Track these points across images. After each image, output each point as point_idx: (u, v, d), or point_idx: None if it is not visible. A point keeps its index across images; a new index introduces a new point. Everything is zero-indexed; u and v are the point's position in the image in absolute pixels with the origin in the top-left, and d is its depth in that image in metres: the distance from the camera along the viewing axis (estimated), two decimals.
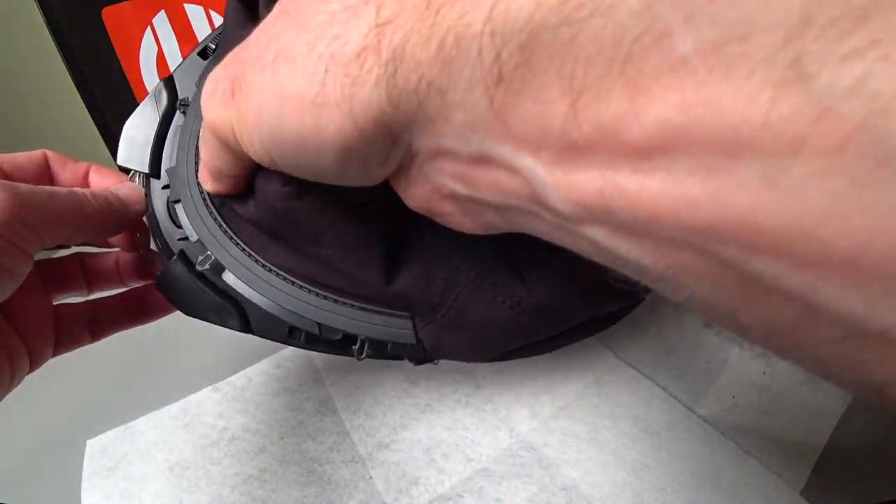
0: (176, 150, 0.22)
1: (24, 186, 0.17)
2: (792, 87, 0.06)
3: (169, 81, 0.23)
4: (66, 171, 0.23)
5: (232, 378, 0.29)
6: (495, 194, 0.11)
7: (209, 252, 0.21)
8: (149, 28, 0.41)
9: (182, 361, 0.31)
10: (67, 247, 0.24)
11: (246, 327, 0.21)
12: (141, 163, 0.22)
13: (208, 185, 0.20)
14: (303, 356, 0.30)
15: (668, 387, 0.29)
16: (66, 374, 0.31)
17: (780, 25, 0.06)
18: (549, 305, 0.19)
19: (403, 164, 0.13)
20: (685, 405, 0.28)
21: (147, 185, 0.22)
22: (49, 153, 0.23)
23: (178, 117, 0.22)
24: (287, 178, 0.17)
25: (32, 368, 0.21)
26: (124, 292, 0.26)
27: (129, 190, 0.22)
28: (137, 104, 0.23)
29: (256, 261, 0.20)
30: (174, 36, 0.42)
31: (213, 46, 0.23)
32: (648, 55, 0.07)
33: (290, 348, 0.31)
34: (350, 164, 0.13)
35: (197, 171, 0.21)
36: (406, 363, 0.21)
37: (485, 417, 0.27)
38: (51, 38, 0.40)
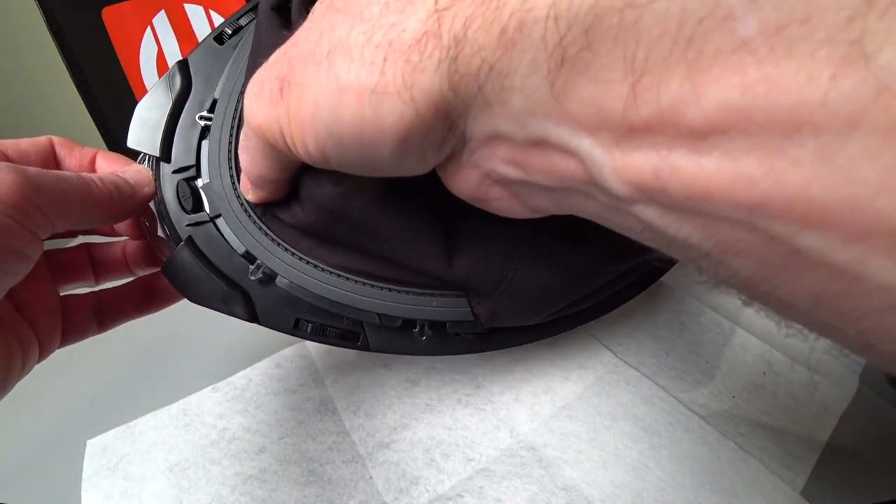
0: (207, 165, 0.22)
1: (33, 169, 0.17)
2: (853, 65, 0.07)
3: (183, 65, 0.22)
4: (73, 157, 0.23)
5: (232, 378, 0.29)
6: (549, 177, 0.12)
7: (259, 261, 0.21)
8: (149, 28, 0.41)
9: (182, 361, 0.31)
10: (75, 235, 0.24)
11: (252, 317, 0.21)
12: (152, 146, 0.22)
13: (250, 195, 0.20)
14: (303, 356, 0.30)
15: (668, 387, 0.29)
16: (66, 373, 0.31)
17: (843, 6, 0.07)
18: (588, 268, 0.21)
19: (455, 150, 0.13)
20: (685, 405, 0.28)
21: (157, 170, 0.22)
22: (55, 139, 0.23)
23: (190, 107, 0.22)
24: (339, 179, 0.18)
25: (41, 358, 0.21)
26: (131, 281, 0.26)
27: (136, 173, 0.22)
28: (137, 104, 0.23)
29: (308, 262, 0.21)
30: (174, 36, 0.42)
31: (230, 32, 0.23)
32: (711, 37, 0.08)
33: (290, 348, 0.31)
34: (408, 153, 0.13)
35: (234, 184, 0.21)
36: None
37: (485, 417, 0.27)
38: (51, 38, 0.40)
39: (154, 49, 0.42)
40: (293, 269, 0.21)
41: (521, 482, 0.24)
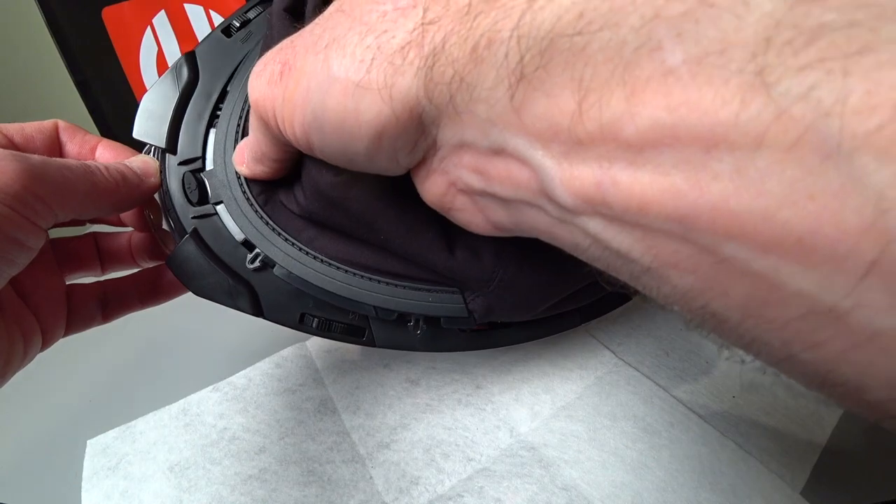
0: (213, 153, 0.22)
1: (36, 158, 0.17)
2: (757, 92, 0.08)
3: (191, 57, 0.23)
4: (75, 142, 0.23)
5: (232, 378, 0.29)
6: (506, 187, 0.12)
7: (258, 249, 0.21)
8: (149, 28, 0.41)
9: (182, 361, 0.31)
10: (82, 223, 0.24)
11: (257, 311, 0.21)
12: (158, 137, 0.22)
13: (244, 168, 0.20)
14: (303, 356, 0.30)
15: (668, 387, 0.29)
16: (66, 374, 0.31)
17: (748, 43, 0.08)
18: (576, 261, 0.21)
19: (427, 155, 0.14)
20: (685, 405, 0.28)
21: (162, 161, 0.22)
22: (60, 123, 0.22)
23: (197, 99, 0.22)
24: (340, 168, 0.18)
25: (44, 347, 0.21)
26: (136, 273, 0.26)
27: (142, 163, 0.22)
28: (137, 104, 0.23)
29: (307, 253, 0.21)
30: (174, 36, 0.42)
31: (238, 24, 0.23)
32: (644, 64, 0.09)
33: (290, 348, 0.31)
34: (380, 150, 0.14)
35: (237, 172, 0.21)
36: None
37: (485, 417, 0.27)
38: (51, 38, 0.40)
39: (154, 49, 0.42)
40: (291, 258, 0.21)
41: (521, 482, 0.24)
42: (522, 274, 0.21)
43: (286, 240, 0.21)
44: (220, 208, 0.21)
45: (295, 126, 0.15)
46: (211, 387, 0.29)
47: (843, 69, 0.07)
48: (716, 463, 0.25)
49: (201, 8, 0.41)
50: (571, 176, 0.10)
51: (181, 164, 0.22)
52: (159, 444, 0.26)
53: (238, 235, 0.21)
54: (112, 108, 0.43)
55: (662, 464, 0.25)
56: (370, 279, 0.21)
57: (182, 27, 0.41)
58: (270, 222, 0.21)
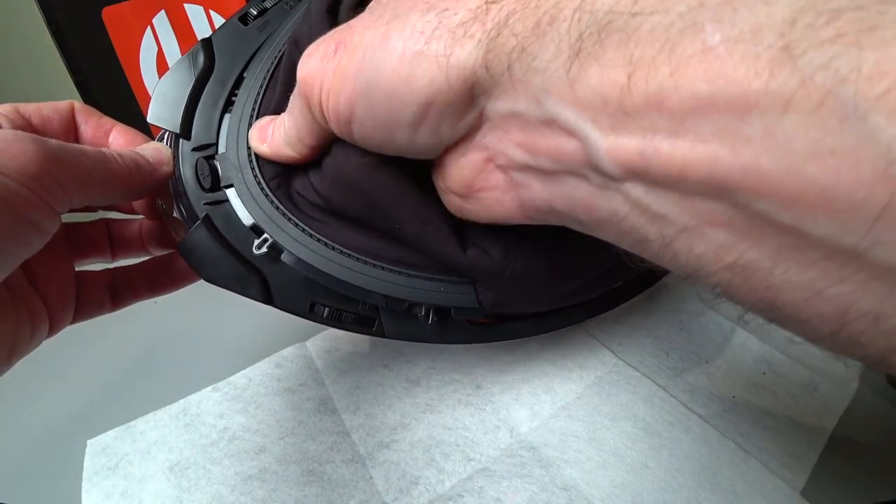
0: (226, 137, 0.22)
1: (54, 142, 0.17)
2: (784, 64, 0.09)
3: (207, 44, 0.22)
4: (90, 125, 0.22)
5: (232, 378, 0.29)
6: (552, 158, 0.13)
7: (266, 234, 0.21)
8: (149, 28, 0.41)
9: (182, 361, 0.31)
10: (94, 210, 0.24)
11: (267, 298, 0.21)
12: (172, 122, 0.22)
13: (267, 147, 0.20)
14: (303, 356, 0.30)
15: (668, 387, 0.29)
16: (66, 373, 0.31)
17: (777, 25, 0.09)
18: (582, 254, 0.22)
19: (469, 131, 0.15)
20: (685, 405, 0.28)
21: (175, 147, 0.22)
22: (76, 105, 0.22)
23: (212, 86, 0.22)
24: (367, 151, 0.18)
25: (51, 333, 0.21)
26: (146, 261, 0.25)
27: (155, 150, 0.22)
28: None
29: (318, 240, 0.21)
30: (174, 36, 0.42)
31: (255, 13, 0.23)
32: (687, 44, 0.10)
33: (290, 348, 0.31)
34: (426, 119, 0.15)
35: (250, 156, 0.21)
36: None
37: (485, 417, 0.27)
38: (51, 38, 0.40)
39: (154, 49, 0.42)
40: (301, 244, 0.21)
41: (521, 482, 0.24)
42: (531, 267, 0.21)
43: (296, 225, 0.21)
44: (231, 192, 0.21)
45: (341, 98, 0.16)
46: (211, 387, 0.29)
47: (857, 43, 0.08)
48: (716, 463, 0.25)
49: (201, 8, 0.41)
50: (617, 145, 0.11)
51: (195, 149, 0.22)
52: (159, 443, 0.26)
53: (247, 220, 0.21)
54: (112, 108, 0.42)
55: (662, 464, 0.25)
56: (381, 268, 0.21)
57: (182, 27, 0.41)
58: (281, 207, 0.21)
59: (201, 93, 0.22)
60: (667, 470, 0.25)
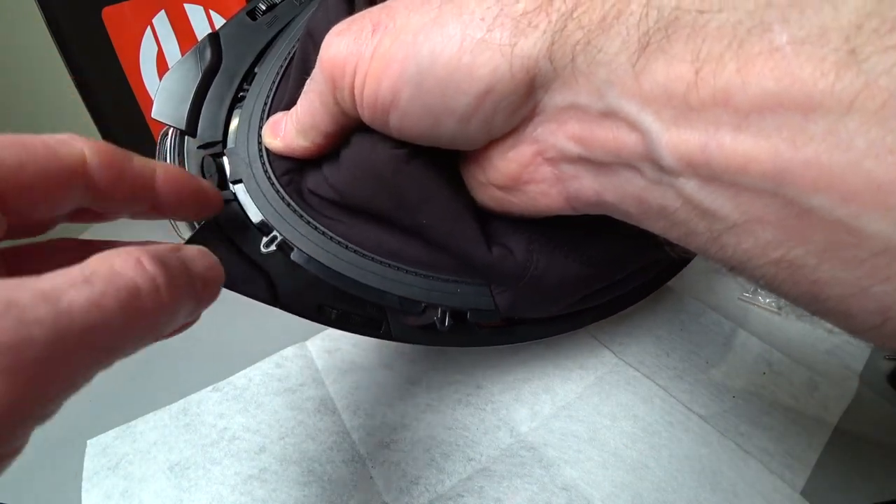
0: (235, 132, 0.21)
1: (39, 336, 0.09)
2: (849, 67, 0.09)
3: (214, 38, 0.22)
4: (123, 181, 0.15)
5: (232, 378, 0.29)
6: (609, 150, 0.13)
7: (275, 232, 0.20)
8: (149, 28, 0.41)
9: (182, 361, 0.31)
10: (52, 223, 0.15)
11: (273, 299, 0.21)
12: (177, 119, 0.21)
13: (279, 141, 0.19)
14: (303, 356, 0.30)
15: (668, 387, 0.29)
16: None
17: (843, 29, 0.09)
18: (606, 258, 0.22)
19: (521, 124, 0.15)
20: (685, 405, 0.28)
21: (180, 144, 0.21)
22: (90, 157, 0.14)
23: (220, 82, 0.21)
24: (399, 142, 0.18)
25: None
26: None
27: (206, 267, 0.15)
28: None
29: (331, 238, 0.20)
30: (174, 36, 0.42)
31: (264, 8, 0.23)
32: (755, 42, 0.10)
33: (290, 348, 0.31)
34: (481, 108, 0.14)
35: (260, 151, 0.20)
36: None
37: (485, 417, 0.27)
38: (51, 38, 0.40)
39: (154, 49, 0.42)
40: (313, 242, 0.20)
41: (521, 482, 0.24)
42: (551, 270, 0.21)
43: (308, 223, 0.20)
44: (239, 188, 0.21)
45: (383, 82, 0.15)
46: (211, 387, 0.29)
47: None
48: (716, 463, 0.25)
49: (201, 8, 0.41)
50: (679, 139, 0.12)
51: (201, 147, 0.21)
52: (159, 443, 0.26)
53: (256, 217, 0.20)
54: (112, 108, 0.42)
55: (662, 464, 0.25)
56: (397, 268, 0.20)
57: (182, 27, 0.41)
58: (292, 203, 0.20)
59: (208, 88, 0.21)
60: (667, 470, 0.25)
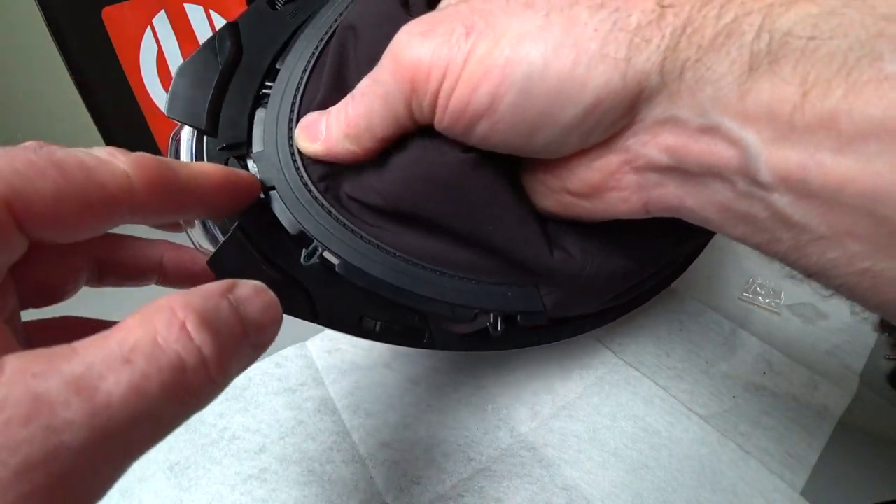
0: (262, 134, 0.19)
1: (73, 441, 0.08)
2: None
3: (233, 29, 0.20)
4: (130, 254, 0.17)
5: None
6: (701, 163, 0.14)
7: (316, 243, 0.19)
8: (149, 28, 0.41)
9: None
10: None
11: (312, 315, 0.19)
12: (195, 117, 0.19)
13: (320, 145, 0.18)
14: (303, 356, 0.30)
15: (669, 387, 0.29)
16: None
17: None
18: (646, 253, 0.22)
19: (614, 135, 0.15)
20: (685, 405, 0.28)
21: (199, 145, 0.19)
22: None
23: (240, 76, 0.20)
24: (468, 146, 0.17)
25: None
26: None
27: (262, 308, 0.14)
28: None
29: (378, 247, 0.19)
30: (174, 36, 0.42)
31: None
32: (864, 69, 0.11)
33: (291, 348, 0.31)
34: (587, 120, 0.14)
35: (293, 154, 0.19)
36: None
37: (485, 417, 0.27)
38: (51, 38, 0.40)
39: (154, 49, 0.42)
40: (360, 253, 0.19)
41: (521, 482, 0.24)
42: (603, 267, 0.20)
43: (353, 232, 0.19)
44: (272, 195, 0.19)
45: (480, 89, 0.15)
46: None
47: None
48: (716, 463, 0.25)
49: (201, 8, 0.41)
50: (779, 157, 0.12)
51: (223, 148, 0.19)
52: (159, 443, 0.26)
53: (292, 227, 0.19)
54: (112, 108, 0.42)
55: (662, 464, 0.25)
56: (448, 275, 0.19)
57: (182, 27, 0.41)
58: (333, 211, 0.19)
59: (228, 84, 0.19)
60: (667, 470, 0.25)
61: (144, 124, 0.43)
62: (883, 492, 0.24)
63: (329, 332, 0.32)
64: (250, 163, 0.19)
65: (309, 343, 0.31)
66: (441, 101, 0.15)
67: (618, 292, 0.23)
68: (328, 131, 0.18)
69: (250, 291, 0.14)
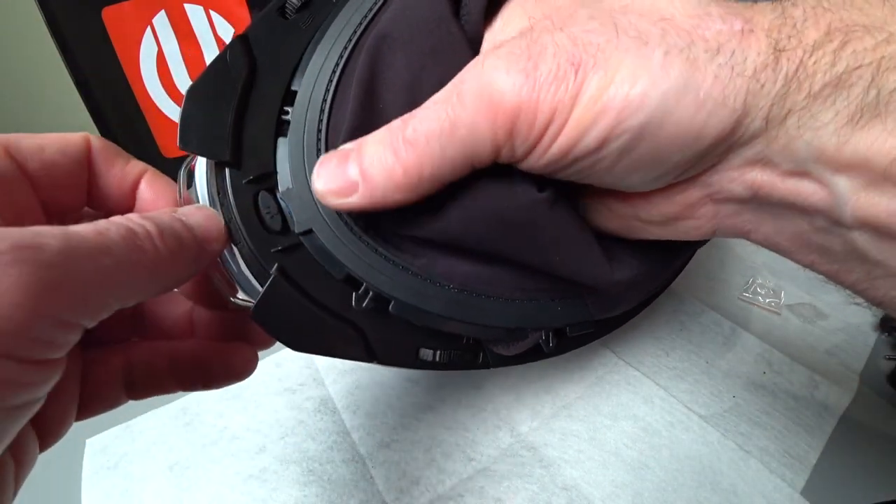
0: (289, 168, 0.17)
1: (52, 247, 0.11)
2: None
3: (244, 43, 0.18)
4: (113, 174, 0.17)
5: None
6: (784, 201, 0.14)
7: (366, 285, 0.17)
8: (149, 28, 0.41)
9: None
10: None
11: (371, 356, 0.18)
12: (215, 149, 0.17)
13: (357, 198, 0.16)
14: (303, 356, 0.30)
15: (669, 387, 0.29)
16: None
17: None
18: (671, 255, 0.22)
19: (703, 170, 0.15)
20: (685, 405, 0.28)
21: (220, 180, 0.17)
22: (94, 141, 0.17)
23: (258, 101, 0.18)
24: (543, 185, 0.16)
25: (43, 449, 0.16)
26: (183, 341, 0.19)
27: (205, 218, 0.16)
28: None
29: (431, 281, 0.18)
30: (174, 36, 0.42)
31: (297, 3, 0.18)
32: None
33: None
34: (697, 161, 0.14)
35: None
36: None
37: (486, 417, 0.27)
38: (51, 38, 0.40)
39: (154, 49, 0.42)
40: (415, 290, 0.18)
41: (521, 482, 0.24)
42: (647, 274, 0.20)
43: (403, 269, 0.17)
44: (312, 240, 0.17)
45: (592, 131, 0.14)
46: None
47: None
48: (716, 463, 0.25)
49: (201, 8, 0.41)
50: (868, 203, 0.12)
51: (250, 182, 0.17)
52: (159, 443, 0.26)
53: (338, 272, 0.18)
54: (112, 108, 0.42)
55: (662, 464, 0.25)
56: (504, 300, 0.19)
57: (182, 27, 0.41)
58: (380, 249, 0.17)
59: (246, 108, 0.17)
60: (667, 470, 0.25)
61: (144, 124, 0.43)
62: (883, 492, 0.24)
63: None
64: (281, 198, 0.18)
65: None
66: (543, 144, 0.14)
67: (656, 284, 0.23)
68: (369, 179, 0.15)
69: (191, 209, 0.16)
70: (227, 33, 0.41)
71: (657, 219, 0.17)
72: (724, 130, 0.13)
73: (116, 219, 0.13)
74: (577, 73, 0.13)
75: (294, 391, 0.29)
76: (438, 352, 0.19)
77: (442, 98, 0.15)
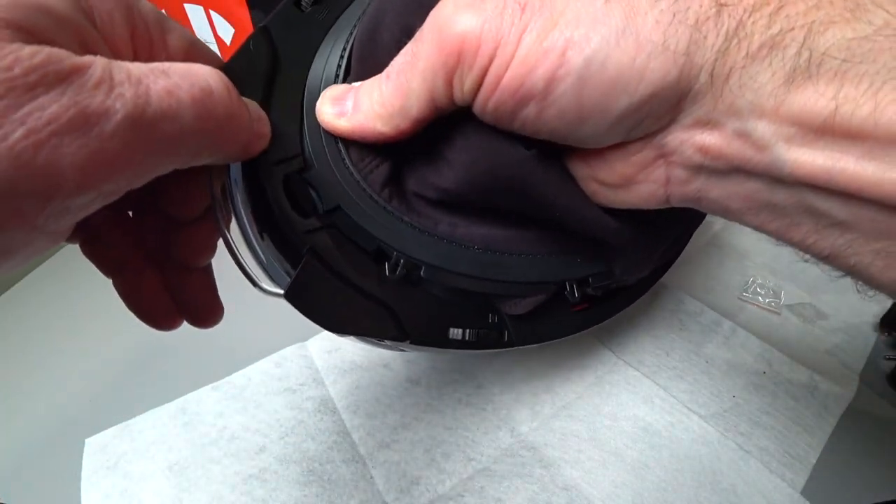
0: (311, 149, 0.18)
1: (119, 112, 0.11)
2: None
3: (266, 34, 0.18)
4: (171, 39, 0.16)
5: (231, 377, 0.29)
6: (731, 163, 0.15)
7: (397, 254, 0.18)
8: None
9: (181, 360, 0.31)
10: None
11: (402, 335, 0.19)
12: None
13: (345, 121, 0.17)
14: (303, 356, 0.30)
15: (668, 386, 0.29)
16: (64, 372, 0.31)
17: None
18: (673, 218, 0.21)
19: (655, 130, 0.15)
20: (685, 405, 0.28)
21: (245, 163, 0.18)
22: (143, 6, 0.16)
23: (282, 87, 0.18)
24: (530, 143, 0.17)
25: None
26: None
27: (255, 106, 0.17)
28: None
29: (456, 244, 0.19)
30: None
31: None
32: (888, 92, 0.12)
33: (290, 348, 0.31)
34: (639, 112, 0.15)
35: (348, 167, 0.18)
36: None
37: (486, 417, 0.27)
38: None
39: None
40: (442, 254, 0.18)
41: (521, 482, 0.24)
42: (641, 235, 0.21)
43: (428, 234, 0.18)
44: (340, 217, 0.18)
45: (536, 70, 0.14)
46: (210, 385, 0.29)
47: None
48: (716, 463, 0.25)
49: (201, 8, 0.41)
50: (806, 160, 0.13)
51: (279, 162, 0.18)
52: (158, 443, 0.26)
53: (369, 243, 0.18)
54: None
55: (662, 464, 0.25)
56: (525, 255, 0.20)
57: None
58: (405, 218, 0.18)
59: (272, 94, 0.18)
60: (667, 470, 0.25)
61: None
62: (883, 492, 0.24)
63: (329, 332, 0.32)
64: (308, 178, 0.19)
65: (309, 343, 0.31)
66: (489, 80, 0.15)
67: (665, 248, 0.24)
68: (357, 108, 0.17)
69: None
70: (227, 33, 0.41)
71: (613, 180, 0.17)
72: (667, 77, 0.14)
73: (196, 68, 0.14)
74: (522, 12, 0.14)
75: (294, 391, 0.29)
76: (468, 331, 0.20)
77: (413, 38, 0.16)
